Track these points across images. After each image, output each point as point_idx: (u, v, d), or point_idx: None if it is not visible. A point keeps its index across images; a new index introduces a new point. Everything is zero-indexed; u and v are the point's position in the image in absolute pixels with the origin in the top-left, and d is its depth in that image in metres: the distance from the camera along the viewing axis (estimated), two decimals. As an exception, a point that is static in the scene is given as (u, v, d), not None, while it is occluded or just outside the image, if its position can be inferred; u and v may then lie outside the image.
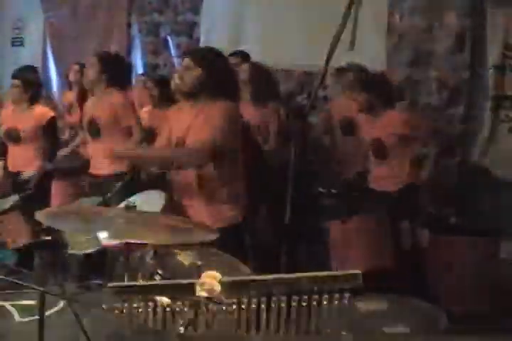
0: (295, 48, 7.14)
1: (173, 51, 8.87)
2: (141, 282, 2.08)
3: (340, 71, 6.22)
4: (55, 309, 4.73)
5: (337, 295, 2.03)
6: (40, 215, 2.83)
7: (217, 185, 3.91)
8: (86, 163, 5.75)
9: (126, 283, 2.09)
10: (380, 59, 6.55)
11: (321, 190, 5.89)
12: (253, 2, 7.85)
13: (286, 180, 4.22)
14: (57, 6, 9.98)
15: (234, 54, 6.62)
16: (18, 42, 10.67)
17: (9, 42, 10.69)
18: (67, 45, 9.79)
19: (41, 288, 3.13)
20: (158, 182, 4.40)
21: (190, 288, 2.02)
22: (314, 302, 2.04)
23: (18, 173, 6.21)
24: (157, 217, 3.15)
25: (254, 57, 6.66)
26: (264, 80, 5.94)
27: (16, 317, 5.10)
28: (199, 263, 2.97)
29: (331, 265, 4.95)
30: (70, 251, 4.54)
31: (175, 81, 4.01)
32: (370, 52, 6.35)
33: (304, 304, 2.03)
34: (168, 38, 8.91)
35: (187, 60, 3.94)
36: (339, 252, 5.04)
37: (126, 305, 2.05)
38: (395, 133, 5.23)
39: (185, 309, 2.03)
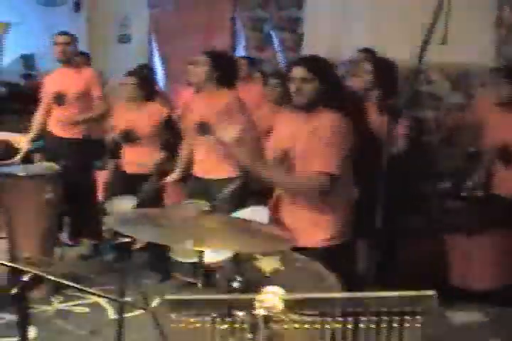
0: (400, 43, 6.93)
1: (276, 46, 8.80)
2: (198, 296, 1.97)
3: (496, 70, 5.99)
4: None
5: (408, 317, 1.87)
6: (108, 219, 2.77)
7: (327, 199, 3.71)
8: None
9: (184, 296, 1.98)
10: (488, 53, 6.28)
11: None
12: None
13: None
14: (161, 2, 10.05)
15: (359, 51, 6.50)
16: (124, 39, 10.78)
17: (115, 39, 10.82)
18: (171, 41, 9.85)
19: (122, 299, 3.12)
20: (264, 192, 4.22)
21: (250, 304, 1.90)
22: (384, 324, 1.89)
23: (134, 174, 6.05)
24: (235, 221, 3.04)
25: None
26: (391, 79, 5.44)
27: (110, 313, 5.14)
28: (281, 269, 2.87)
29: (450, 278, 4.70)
30: (173, 257, 4.47)
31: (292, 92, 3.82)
32: (475, 46, 6.09)
33: (373, 326, 1.88)
34: (272, 34, 8.85)
35: (303, 71, 3.70)
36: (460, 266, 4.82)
37: (184, 319, 1.95)
38: None
39: (245, 326, 1.92)
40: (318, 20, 8.23)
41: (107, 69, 6.83)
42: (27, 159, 6.50)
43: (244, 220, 3.17)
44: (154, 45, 10.33)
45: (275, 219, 3.82)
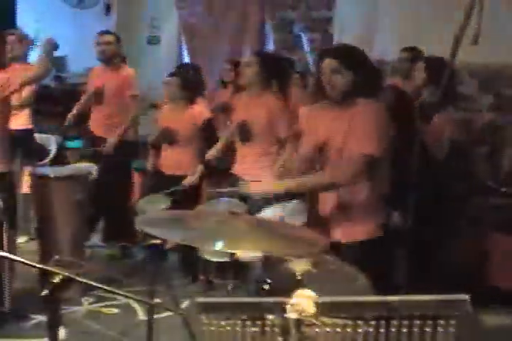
0: (432, 43, 6.87)
1: (306, 47, 8.77)
2: (228, 298, 1.96)
3: None
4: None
5: (442, 322, 1.84)
6: (139, 221, 2.76)
7: (363, 196, 3.66)
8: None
9: (215, 299, 1.97)
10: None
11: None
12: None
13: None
14: (191, 3, 10.07)
15: (405, 50, 6.46)
16: (154, 40, 10.81)
17: (145, 40, 10.85)
18: (201, 43, 9.87)
19: (152, 302, 3.11)
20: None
21: (282, 307, 1.88)
22: (416, 329, 1.86)
23: (172, 175, 6.07)
24: (264, 223, 3.01)
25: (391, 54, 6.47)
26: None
27: (140, 315, 5.15)
28: (312, 271, 2.84)
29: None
30: (203, 256, 4.46)
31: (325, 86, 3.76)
32: (505, 46, 6.01)
33: (405, 330, 1.86)
34: (302, 35, 8.82)
35: (333, 62, 3.60)
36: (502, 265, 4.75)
37: (215, 322, 1.94)
38: None
39: (276, 330, 1.90)
40: (348, 21, 8.19)
41: (137, 71, 6.84)
42: (63, 159, 6.55)
43: (276, 222, 3.15)
44: (183, 46, 10.34)
45: (312, 213, 3.79)
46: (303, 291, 1.91)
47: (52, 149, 6.64)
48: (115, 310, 5.25)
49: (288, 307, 1.86)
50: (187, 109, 6.03)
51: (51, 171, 5.70)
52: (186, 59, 10.22)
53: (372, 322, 1.89)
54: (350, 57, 3.65)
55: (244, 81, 5.41)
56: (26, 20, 10.74)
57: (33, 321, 4.95)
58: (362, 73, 3.59)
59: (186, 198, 5.70)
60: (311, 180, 3.63)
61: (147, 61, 10.04)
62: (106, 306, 5.31)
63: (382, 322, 1.88)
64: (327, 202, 3.73)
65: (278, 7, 9.07)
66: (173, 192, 5.63)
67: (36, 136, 7.21)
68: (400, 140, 3.89)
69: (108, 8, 11.08)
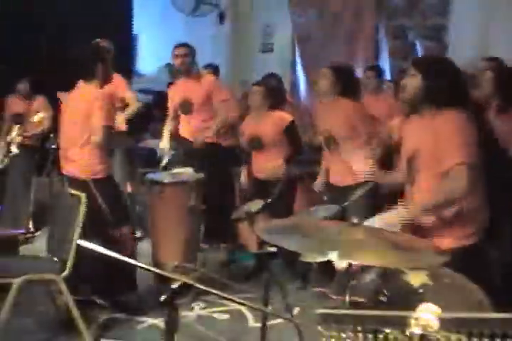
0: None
1: (420, 56, 8.64)
2: (349, 310, 1.93)
3: None
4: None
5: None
6: (258, 229, 2.77)
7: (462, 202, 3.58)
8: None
9: (336, 310, 1.94)
10: None
11: None
12: (503, 2, 7.45)
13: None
14: (304, 10, 10.08)
15: (485, 59, 6.32)
16: (267, 48, 10.87)
17: (258, 48, 10.92)
18: (314, 50, 9.86)
19: (267, 310, 3.10)
20: (396, 196, 4.16)
21: (404, 321, 1.84)
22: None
23: (263, 179, 6.23)
24: (384, 234, 2.97)
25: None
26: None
27: (251, 322, 5.16)
28: (429, 283, 2.79)
29: None
30: (302, 259, 4.46)
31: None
32: None
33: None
34: (416, 42, 8.71)
35: (410, 68, 3.72)
36: None
37: (335, 333, 1.92)
38: None
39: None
40: (464, 29, 8.04)
41: (250, 79, 6.90)
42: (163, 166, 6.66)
43: (395, 233, 3.10)
44: (297, 54, 10.35)
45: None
46: (427, 306, 1.87)
47: (167, 155, 6.74)
48: (226, 316, 5.27)
49: (412, 321, 1.82)
50: (270, 116, 6.22)
51: (166, 177, 5.80)
52: (299, 66, 10.24)
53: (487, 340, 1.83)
54: (425, 63, 3.76)
55: (318, 92, 5.59)
56: (141, 28, 11.00)
57: (145, 324, 5.02)
58: (438, 81, 3.60)
59: (279, 201, 5.75)
60: (429, 203, 3.57)
61: (259, 69, 10.10)
62: (216, 312, 5.34)
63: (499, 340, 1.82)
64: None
65: (392, 14, 8.98)
66: (267, 195, 5.72)
67: (150, 141, 7.35)
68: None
69: (222, 17, 11.22)
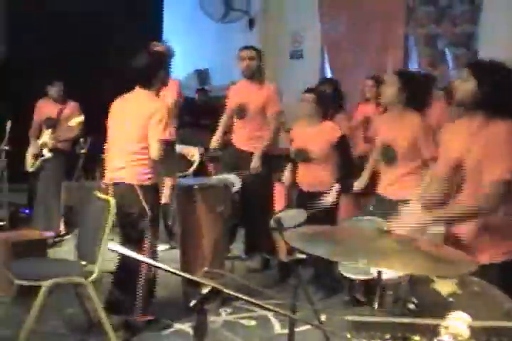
0: None
1: (450, 63, 8.62)
2: (379, 317, 1.93)
3: None
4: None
5: None
6: (289, 236, 2.77)
7: (500, 216, 3.51)
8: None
9: (365, 318, 1.94)
10: None
11: None
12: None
13: None
14: (334, 18, 10.07)
15: None
16: (297, 54, 10.85)
17: (287, 54, 10.91)
18: (344, 59, 9.84)
19: (295, 316, 3.11)
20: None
21: (435, 329, 1.84)
22: None
23: (309, 192, 6.03)
24: (416, 243, 2.96)
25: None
26: None
27: (277, 328, 5.16)
28: (458, 292, 2.78)
29: None
30: (342, 272, 4.41)
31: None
32: None
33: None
34: (446, 50, 8.67)
35: (464, 71, 3.61)
36: None
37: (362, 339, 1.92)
38: None
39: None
40: (494, 36, 7.99)
41: (279, 86, 6.86)
42: (203, 171, 6.65)
43: (427, 242, 3.09)
44: (326, 61, 10.34)
45: (449, 234, 3.70)
46: (457, 314, 1.87)
47: (196, 160, 6.77)
48: (252, 322, 5.28)
49: (442, 329, 1.82)
50: (320, 126, 5.99)
51: (195, 182, 5.82)
52: (329, 73, 10.22)
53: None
54: (480, 68, 3.60)
55: (385, 100, 5.28)
56: (171, 34, 11.04)
57: (172, 329, 5.04)
58: (486, 84, 3.51)
59: (323, 214, 5.69)
60: (458, 209, 3.55)
61: (290, 75, 10.11)
62: (243, 318, 5.35)
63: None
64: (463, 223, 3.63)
65: (422, 21, 8.95)
66: (310, 207, 5.64)
67: (179, 147, 7.37)
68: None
69: (252, 23, 11.24)
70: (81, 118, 7.47)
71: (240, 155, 6.66)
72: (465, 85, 3.56)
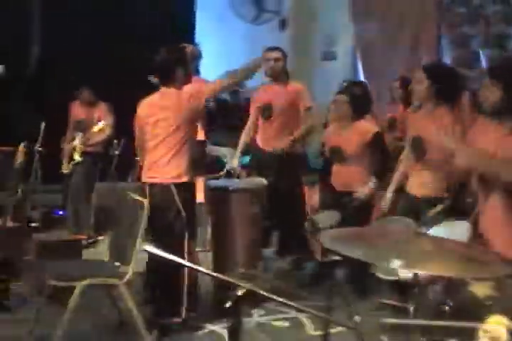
0: None
1: (484, 64, 8.54)
2: (414, 320, 1.91)
3: None
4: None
5: None
6: (323, 237, 2.75)
7: None
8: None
9: (401, 320, 1.93)
10: None
11: None
12: None
13: None
14: (366, 18, 10.02)
15: None
16: (330, 55, 10.81)
17: (319, 55, 10.88)
18: (376, 61, 9.80)
19: (329, 317, 3.10)
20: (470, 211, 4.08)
21: (473, 332, 1.82)
22: None
23: (343, 192, 5.97)
24: (451, 244, 2.93)
25: None
26: None
27: (309, 330, 5.14)
28: (494, 295, 2.75)
29: None
30: (377, 274, 4.39)
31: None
32: None
33: None
34: (480, 51, 8.60)
35: (488, 78, 3.60)
36: None
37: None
38: None
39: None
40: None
41: (311, 87, 6.84)
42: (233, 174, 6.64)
43: (462, 244, 3.06)
44: (359, 62, 10.30)
45: (476, 235, 3.67)
46: (497, 317, 1.85)
47: (228, 162, 6.77)
48: (285, 324, 5.26)
49: (480, 333, 1.80)
50: (353, 126, 5.98)
51: (227, 184, 5.82)
52: (361, 74, 10.18)
53: None
54: (503, 73, 3.61)
55: (417, 98, 5.24)
56: (201, 35, 11.07)
57: (205, 330, 5.04)
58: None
59: (357, 214, 5.66)
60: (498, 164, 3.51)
61: (322, 77, 10.09)
62: (275, 319, 5.34)
63: None
64: (489, 221, 3.61)
65: (456, 22, 8.89)
66: (344, 208, 5.62)
67: (211, 148, 7.37)
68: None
69: (283, 24, 11.21)
70: (104, 122, 7.52)
71: (267, 156, 6.60)
72: (491, 92, 3.55)
